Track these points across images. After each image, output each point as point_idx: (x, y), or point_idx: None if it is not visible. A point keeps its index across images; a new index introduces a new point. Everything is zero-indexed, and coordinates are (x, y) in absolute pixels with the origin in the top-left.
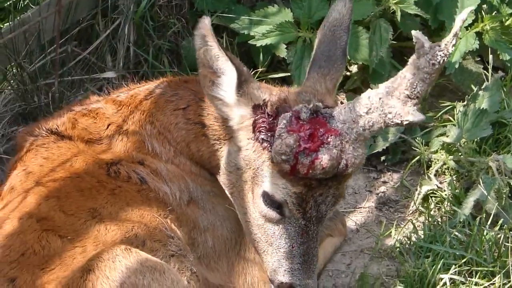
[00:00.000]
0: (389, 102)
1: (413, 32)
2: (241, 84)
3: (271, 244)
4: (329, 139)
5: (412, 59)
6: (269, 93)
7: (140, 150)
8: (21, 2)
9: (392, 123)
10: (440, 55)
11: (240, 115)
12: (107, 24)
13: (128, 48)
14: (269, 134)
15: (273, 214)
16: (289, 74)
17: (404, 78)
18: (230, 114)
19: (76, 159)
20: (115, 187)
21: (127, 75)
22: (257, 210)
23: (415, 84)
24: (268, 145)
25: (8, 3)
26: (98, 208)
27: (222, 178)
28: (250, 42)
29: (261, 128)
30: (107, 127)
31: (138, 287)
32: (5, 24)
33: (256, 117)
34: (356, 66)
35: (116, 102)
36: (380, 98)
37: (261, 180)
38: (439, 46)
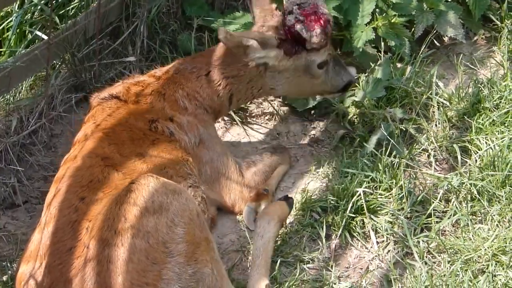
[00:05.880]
0: None
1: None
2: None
3: (317, 89)
4: (324, 15)
5: None
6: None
7: (173, 108)
8: (74, 9)
9: None
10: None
11: (273, 57)
12: (129, 25)
13: (143, 41)
14: (296, 48)
15: (319, 72)
16: None
17: None
18: (268, 60)
19: (129, 117)
20: (155, 138)
21: (142, 59)
22: (313, 76)
23: None
24: (300, 50)
25: (64, 10)
26: (143, 153)
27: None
28: None
29: (290, 50)
30: (151, 93)
31: (163, 203)
32: (62, 25)
33: (283, 48)
34: None
35: (155, 76)
36: None
37: (311, 62)
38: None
